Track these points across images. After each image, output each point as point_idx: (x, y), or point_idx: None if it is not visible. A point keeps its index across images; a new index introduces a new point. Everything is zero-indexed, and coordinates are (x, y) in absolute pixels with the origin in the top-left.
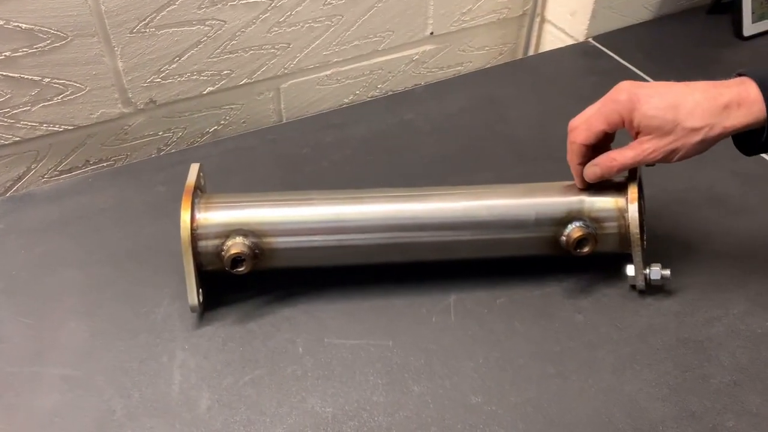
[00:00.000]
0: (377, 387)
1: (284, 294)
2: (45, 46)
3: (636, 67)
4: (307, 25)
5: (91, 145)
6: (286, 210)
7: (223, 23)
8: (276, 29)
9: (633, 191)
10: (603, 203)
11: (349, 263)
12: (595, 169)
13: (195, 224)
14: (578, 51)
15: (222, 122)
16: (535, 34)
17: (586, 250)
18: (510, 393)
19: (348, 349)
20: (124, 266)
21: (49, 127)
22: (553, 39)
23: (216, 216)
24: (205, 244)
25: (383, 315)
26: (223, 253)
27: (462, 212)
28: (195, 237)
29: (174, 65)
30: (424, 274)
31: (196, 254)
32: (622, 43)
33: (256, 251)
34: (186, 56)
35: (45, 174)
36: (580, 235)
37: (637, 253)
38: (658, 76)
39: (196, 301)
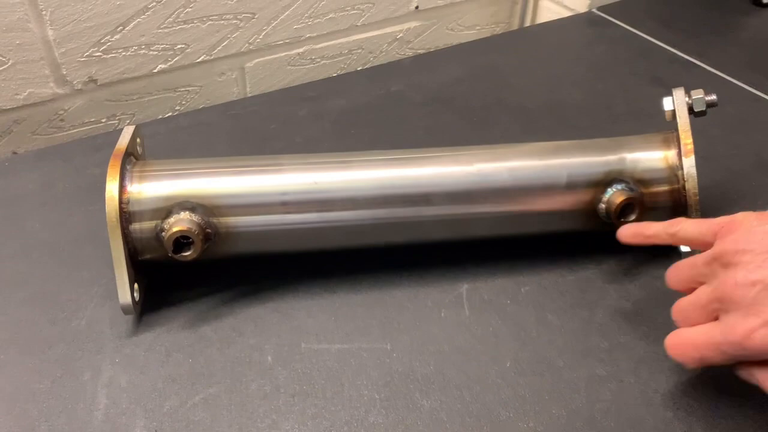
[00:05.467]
0: (374, 403)
1: (248, 289)
2: None
3: (650, 36)
4: None
5: (19, 133)
6: (247, 178)
7: None
8: None
9: (687, 141)
10: (650, 160)
11: (332, 247)
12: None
13: (125, 197)
14: (582, 20)
15: (177, 108)
16: (530, 10)
17: (632, 218)
18: (551, 404)
19: (333, 355)
20: (42, 261)
21: None
22: (550, 15)
23: (154, 187)
24: (139, 226)
25: (377, 311)
26: (163, 233)
27: (477, 177)
28: (126, 215)
29: (117, 36)
30: (427, 258)
31: (129, 237)
32: (629, 13)
33: (208, 230)
34: (131, 25)
35: None
36: (624, 200)
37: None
38: (676, 44)
39: (129, 299)
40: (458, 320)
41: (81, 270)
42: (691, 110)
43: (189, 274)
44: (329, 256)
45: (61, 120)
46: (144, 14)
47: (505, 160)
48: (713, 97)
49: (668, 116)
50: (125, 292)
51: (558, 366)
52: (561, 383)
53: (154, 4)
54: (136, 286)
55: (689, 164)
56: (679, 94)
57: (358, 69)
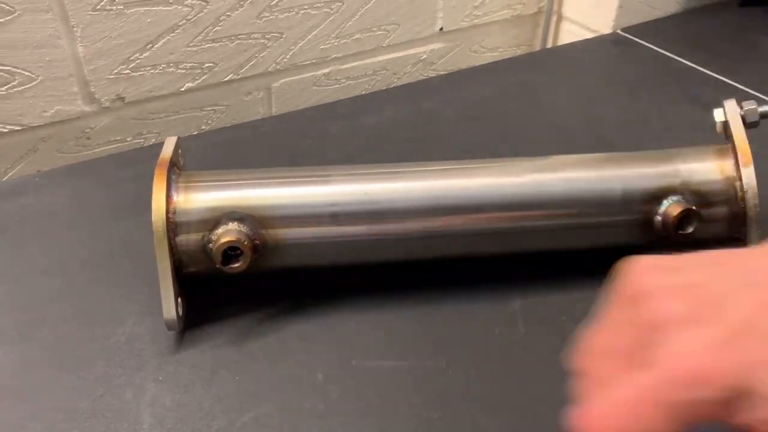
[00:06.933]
0: (432, 423)
1: (291, 304)
2: None
3: (678, 56)
4: (303, 11)
5: (44, 151)
6: (296, 189)
7: (205, 4)
8: (267, 15)
9: (745, 151)
10: (705, 171)
11: (382, 260)
12: None
13: (172, 207)
14: (608, 41)
15: (203, 127)
16: (551, 33)
17: (690, 229)
18: None
19: (386, 373)
20: (78, 277)
21: None
22: (572, 37)
23: (201, 197)
24: (186, 237)
25: (428, 328)
26: (210, 245)
27: (532, 188)
28: (173, 225)
29: (146, 54)
30: (474, 274)
31: (175, 249)
32: (655, 34)
33: (257, 242)
34: (160, 43)
35: None
36: (682, 211)
37: (753, 233)
38: (705, 64)
39: (173, 314)
40: (515, 338)
41: (119, 285)
42: (743, 121)
43: (229, 289)
44: (371, 271)
45: (88, 138)
46: (173, 32)
47: (558, 171)
48: (766, 108)
49: (719, 128)
50: (170, 307)
51: None
52: None
53: (184, 22)
54: (180, 300)
55: (748, 174)
56: (731, 105)
57: (383, 89)
